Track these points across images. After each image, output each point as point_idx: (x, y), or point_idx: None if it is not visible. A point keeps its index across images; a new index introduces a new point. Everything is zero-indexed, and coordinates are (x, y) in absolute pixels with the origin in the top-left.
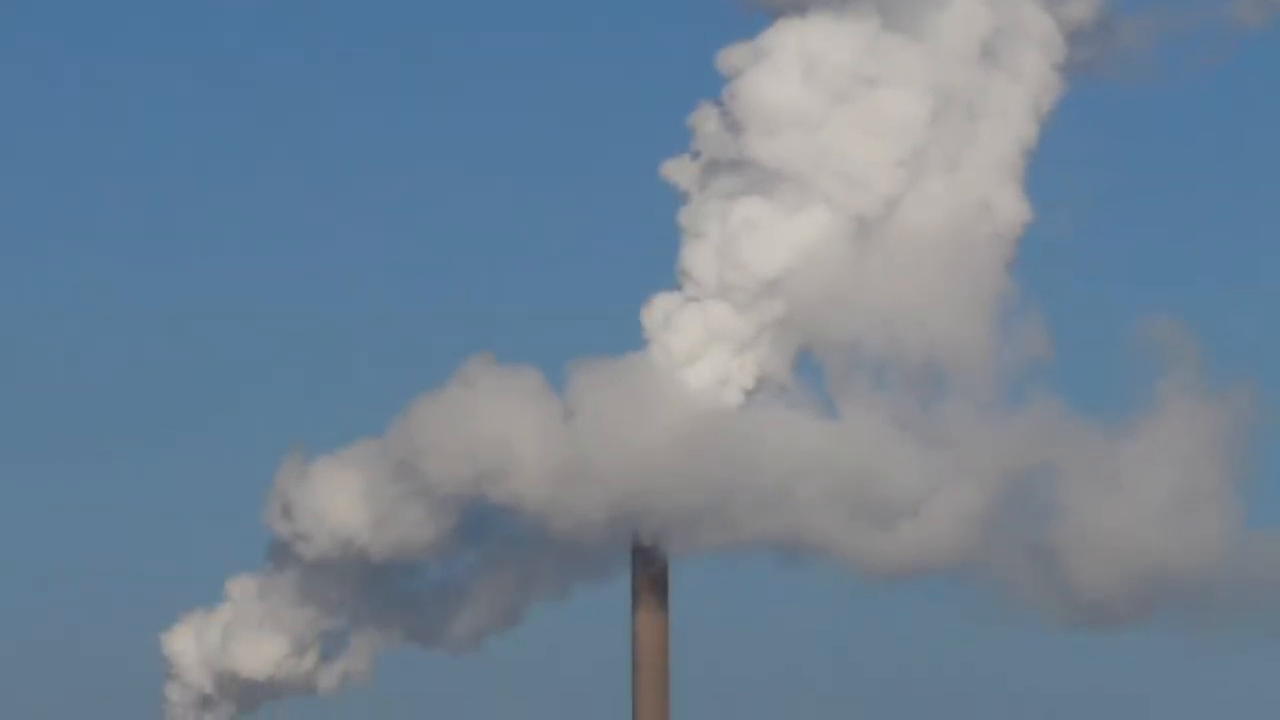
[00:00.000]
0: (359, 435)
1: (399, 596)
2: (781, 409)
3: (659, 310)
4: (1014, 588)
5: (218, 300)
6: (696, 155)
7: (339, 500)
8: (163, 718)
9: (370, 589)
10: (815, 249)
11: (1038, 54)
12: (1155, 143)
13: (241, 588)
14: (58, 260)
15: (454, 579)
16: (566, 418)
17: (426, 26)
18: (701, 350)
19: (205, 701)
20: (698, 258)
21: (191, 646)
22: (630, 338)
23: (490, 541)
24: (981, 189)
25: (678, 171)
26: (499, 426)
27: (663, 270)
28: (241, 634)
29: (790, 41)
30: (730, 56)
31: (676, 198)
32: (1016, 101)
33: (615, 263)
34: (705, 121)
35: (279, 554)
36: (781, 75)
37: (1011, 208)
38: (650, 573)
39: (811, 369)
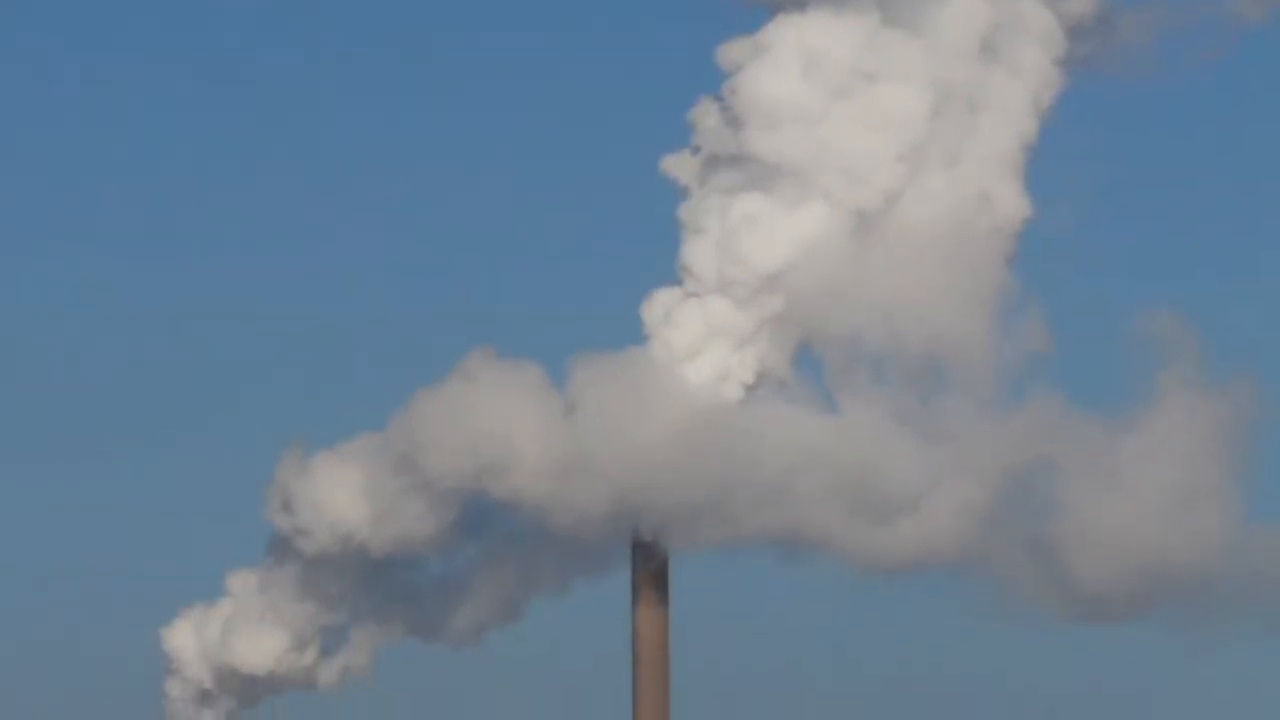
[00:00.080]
0: (360, 430)
1: (399, 591)
2: (781, 404)
3: (659, 305)
4: (1014, 582)
5: (218, 296)
6: (697, 150)
7: (339, 495)
8: (163, 713)
9: (371, 584)
10: (815, 244)
11: (1038, 49)
12: (1155, 137)
13: (242, 582)
14: (58, 260)
15: (454, 574)
16: (567, 413)
17: (425, 25)
18: (702, 345)
19: (205, 696)
20: (698, 253)
21: (192, 641)
22: (631, 333)
23: (491, 536)
24: (981, 184)
25: (678, 166)
26: (499, 421)
27: (663, 265)
28: (242, 629)
29: (790, 36)
30: (730, 51)
31: (677, 193)
32: (1016, 96)
33: (616, 258)
34: (705, 116)
35: (279, 548)
36: (781, 70)
37: (1011, 202)
38: (650, 568)
39: (811, 364)
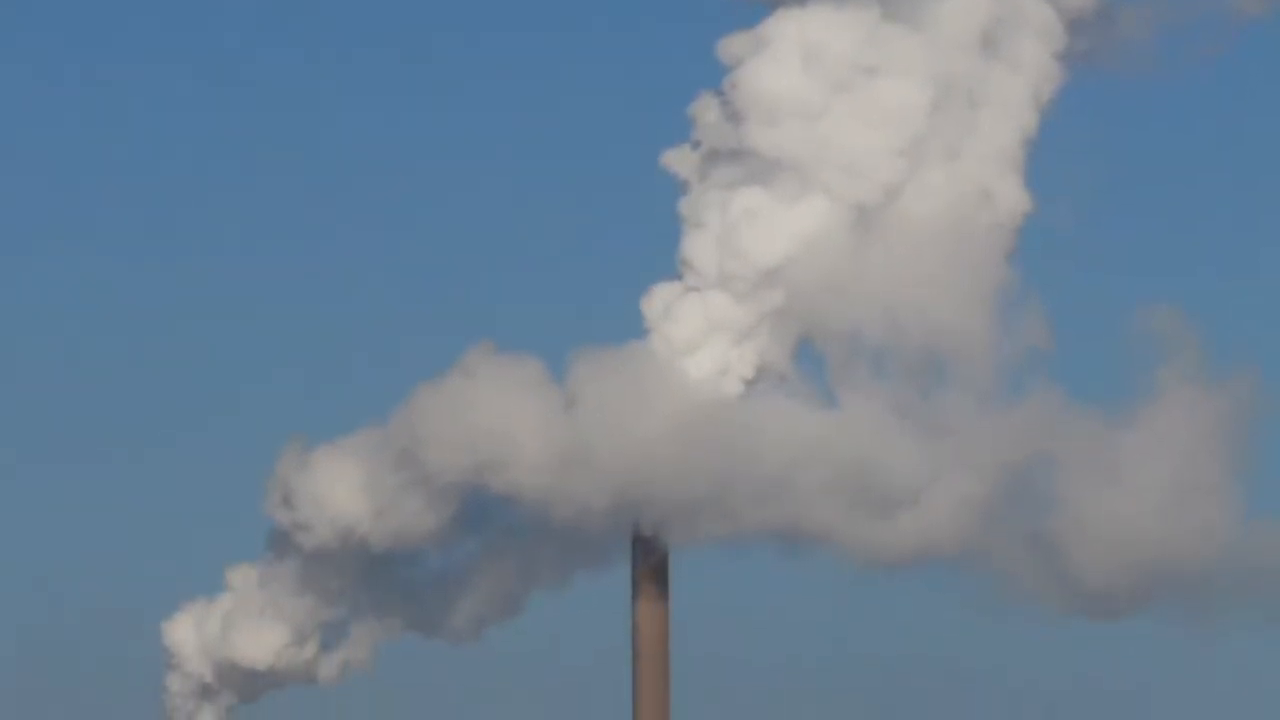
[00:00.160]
0: (360, 425)
1: (399, 586)
2: (781, 398)
3: (659, 300)
4: (1014, 577)
5: (218, 292)
6: (697, 145)
7: (339, 489)
8: (163, 707)
9: (371, 578)
10: (815, 238)
11: (1038, 43)
12: (1156, 133)
13: (242, 577)
14: (58, 259)
15: (454, 568)
16: (567, 407)
17: (425, 21)
18: (702, 340)
19: (205, 691)
20: (698, 247)
21: (192, 636)
22: (630, 327)
23: (491, 531)
24: (981, 179)
25: (678, 161)
26: (499, 416)
27: (663, 260)
28: (242, 623)
29: (790, 31)
30: (730, 46)
31: (677, 187)
32: (1016, 91)
33: (615, 252)
34: (705, 111)
35: (279, 543)
36: (782, 65)
37: (1012, 197)
38: (650, 562)
39: (811, 358)
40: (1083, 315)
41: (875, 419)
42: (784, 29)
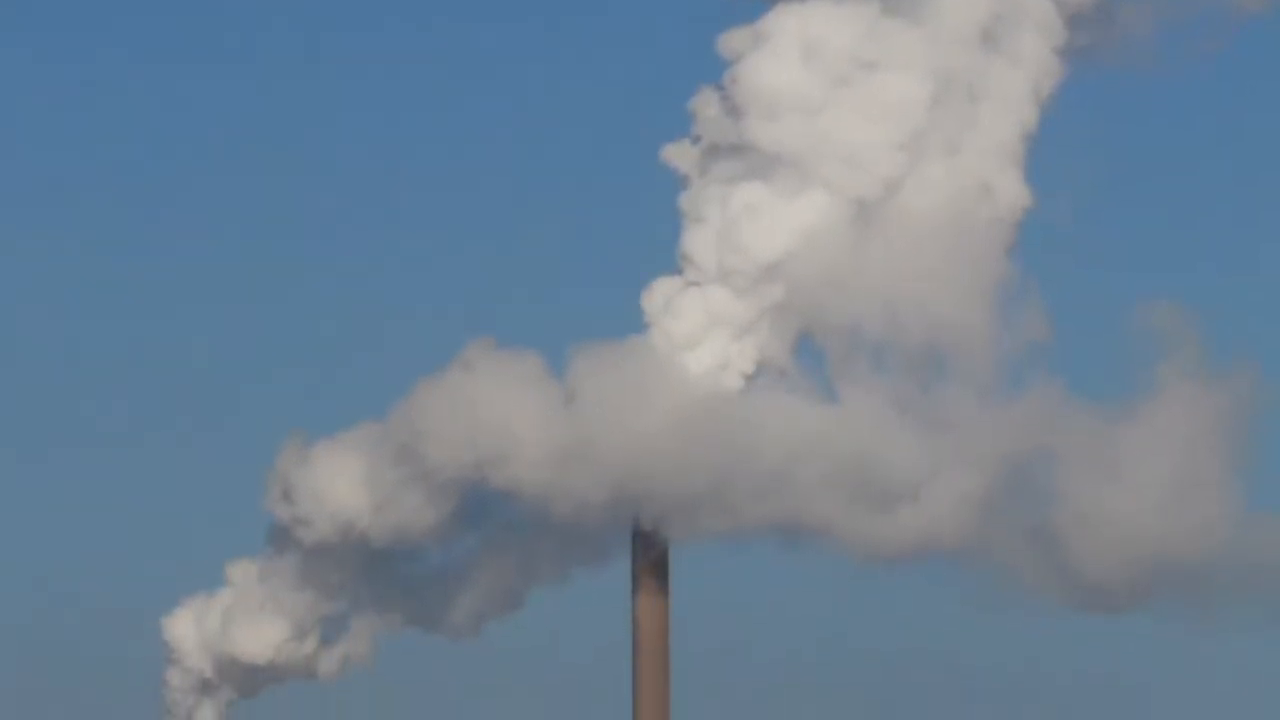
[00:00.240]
0: (360, 420)
1: (399, 581)
2: (781, 393)
3: (659, 294)
4: (1014, 571)
5: (218, 287)
6: (697, 140)
7: (339, 484)
8: (163, 702)
9: (370, 573)
10: (815, 233)
11: (1038, 38)
12: (1156, 128)
13: (242, 572)
14: (56, 256)
15: (454, 563)
16: (567, 402)
17: (425, 17)
18: (702, 335)
19: (205, 686)
20: (698, 242)
21: (192, 631)
22: (631, 322)
23: (491, 526)
24: (982, 173)
25: (678, 156)
26: (499, 411)
27: (663, 254)
28: (242, 618)
29: (790, 25)
30: (731, 41)
31: (677, 182)
32: (1016, 86)
33: (616, 247)
34: (706, 106)
35: (279, 538)
36: (782, 59)
37: (1012, 192)
38: (650, 557)
39: (811, 353)
40: (1083, 310)
41: (875, 413)
42: (784, 24)
